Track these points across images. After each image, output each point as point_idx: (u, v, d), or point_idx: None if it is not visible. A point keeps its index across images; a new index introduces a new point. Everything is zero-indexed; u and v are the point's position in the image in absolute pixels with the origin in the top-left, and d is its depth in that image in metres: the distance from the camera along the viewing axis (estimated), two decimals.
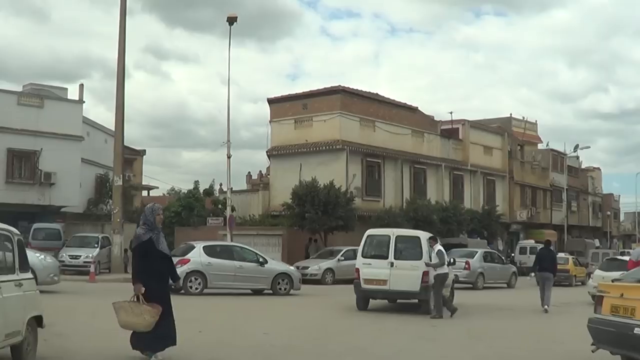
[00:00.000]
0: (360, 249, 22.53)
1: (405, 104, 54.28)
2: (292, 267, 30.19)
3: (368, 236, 22.53)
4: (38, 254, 25.11)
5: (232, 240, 38.33)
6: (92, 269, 32.08)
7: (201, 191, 51.52)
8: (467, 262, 35.86)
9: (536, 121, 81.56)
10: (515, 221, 66.53)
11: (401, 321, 19.61)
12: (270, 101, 51.80)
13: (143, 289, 10.39)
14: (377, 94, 52.39)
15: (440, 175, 56.17)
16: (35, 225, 37.69)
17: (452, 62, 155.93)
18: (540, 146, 78.11)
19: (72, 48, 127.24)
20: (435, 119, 58.00)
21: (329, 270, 37.34)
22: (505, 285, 39.06)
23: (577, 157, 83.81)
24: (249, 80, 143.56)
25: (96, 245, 36.09)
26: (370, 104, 50.69)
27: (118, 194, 36.87)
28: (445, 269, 20.57)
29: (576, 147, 77.16)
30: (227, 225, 38.60)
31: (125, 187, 53.88)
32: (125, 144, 66.13)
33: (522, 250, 54.79)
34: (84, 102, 45.99)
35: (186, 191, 48.57)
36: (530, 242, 57.90)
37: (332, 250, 39.65)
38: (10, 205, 41.45)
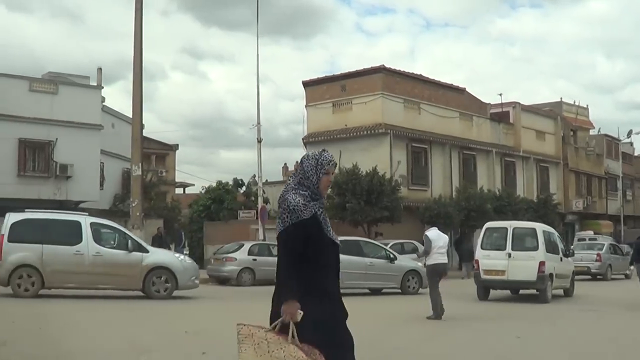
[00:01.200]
0: (479, 241, 23.64)
1: (452, 85, 50.01)
2: (419, 264, 27.23)
3: (487, 229, 23.50)
4: (177, 255, 22.62)
5: (264, 236, 34.40)
6: None
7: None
8: (598, 254, 37.15)
9: (587, 106, 76.93)
10: (571, 211, 61.90)
11: (489, 330, 15.65)
12: (306, 84, 47.79)
13: (300, 313, 4.96)
14: (420, 74, 48.12)
15: (491, 161, 51.85)
16: None
17: (488, 56, 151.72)
18: (591, 132, 73.34)
19: (109, 50, 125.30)
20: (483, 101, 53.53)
21: None
22: (623, 276, 38.83)
23: (631, 144, 78.87)
24: (284, 78, 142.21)
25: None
26: (415, 84, 46.50)
27: (137, 185, 32.92)
28: (436, 259, 17.52)
29: (630, 132, 72.52)
30: (259, 218, 34.66)
31: (154, 182, 50.59)
32: (158, 139, 64.78)
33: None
34: (102, 87, 42.14)
35: (216, 183, 44.59)
36: (589, 233, 53.62)
37: None
38: (22, 201, 37.59)
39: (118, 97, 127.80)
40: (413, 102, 45.76)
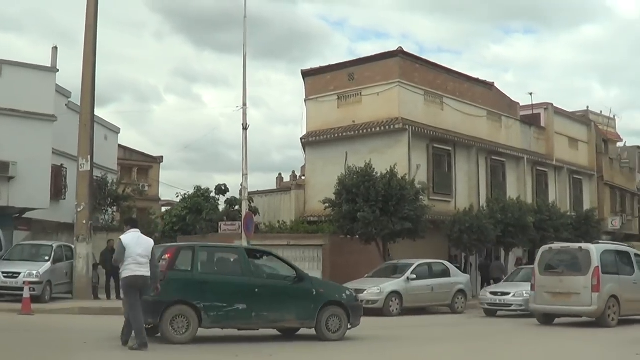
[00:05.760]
0: None
1: (479, 78, 42.31)
2: None
3: None
4: None
5: None
6: (26, 294, 20.57)
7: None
8: None
9: (614, 116, 69.37)
10: (606, 230, 53.87)
11: None
12: (306, 74, 39.90)
13: None
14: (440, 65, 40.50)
15: (522, 170, 43.98)
16: None
17: None
18: (618, 145, 65.54)
19: (102, 71, 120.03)
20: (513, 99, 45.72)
21: (395, 294, 25.65)
22: None
23: None
24: (279, 103, 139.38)
25: (47, 258, 24.63)
26: (437, 74, 38.65)
27: (85, 185, 25.38)
28: (132, 271, 13.74)
29: None
30: (243, 228, 26.78)
31: (129, 195, 42.78)
32: (141, 151, 57.80)
33: None
34: (58, 70, 34.28)
35: (194, 189, 36.76)
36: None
37: (396, 265, 27.99)
38: None
39: (111, 120, 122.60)
40: (435, 95, 37.94)
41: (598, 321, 20.95)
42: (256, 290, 15.39)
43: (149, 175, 57.53)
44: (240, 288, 15.34)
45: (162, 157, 60.04)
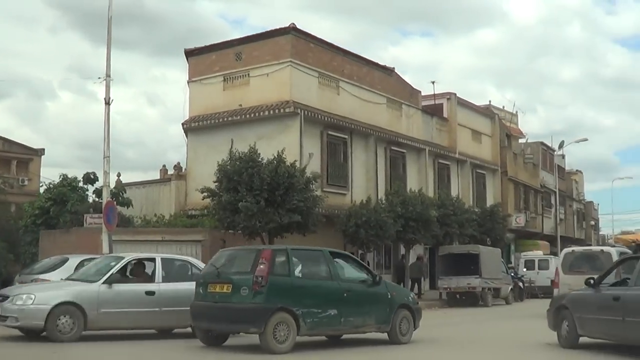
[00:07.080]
0: None
1: (378, 63, 39.29)
2: None
3: None
4: None
5: (110, 247, 22.42)
6: None
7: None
8: None
9: (517, 112, 67.99)
10: (510, 228, 51.67)
11: None
12: (189, 53, 36.14)
13: None
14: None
15: (423, 162, 41.33)
16: None
17: None
18: (520, 141, 63.82)
19: None
20: (414, 87, 42.87)
21: None
22: None
23: (563, 156, 69.74)
24: (176, 102, 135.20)
25: None
26: (333, 55, 35.37)
27: None
28: None
29: (561, 144, 63.06)
30: (103, 219, 22.81)
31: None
32: (20, 142, 53.69)
33: (529, 265, 41.82)
34: None
35: (60, 177, 32.69)
36: (538, 254, 45.32)
37: None
38: None
39: (4, 116, 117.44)
40: (330, 78, 34.67)
41: None
42: (345, 295, 14.91)
43: (29, 169, 53.38)
44: (332, 293, 14.83)
45: (43, 149, 55.87)
